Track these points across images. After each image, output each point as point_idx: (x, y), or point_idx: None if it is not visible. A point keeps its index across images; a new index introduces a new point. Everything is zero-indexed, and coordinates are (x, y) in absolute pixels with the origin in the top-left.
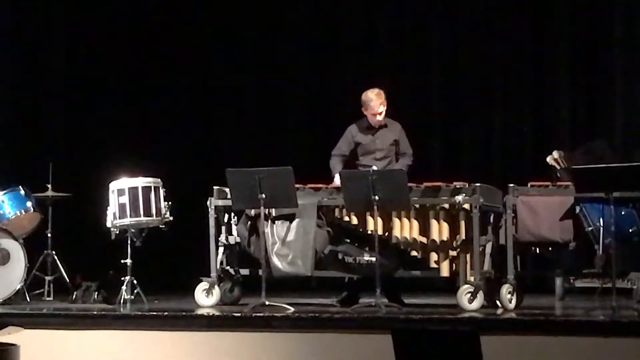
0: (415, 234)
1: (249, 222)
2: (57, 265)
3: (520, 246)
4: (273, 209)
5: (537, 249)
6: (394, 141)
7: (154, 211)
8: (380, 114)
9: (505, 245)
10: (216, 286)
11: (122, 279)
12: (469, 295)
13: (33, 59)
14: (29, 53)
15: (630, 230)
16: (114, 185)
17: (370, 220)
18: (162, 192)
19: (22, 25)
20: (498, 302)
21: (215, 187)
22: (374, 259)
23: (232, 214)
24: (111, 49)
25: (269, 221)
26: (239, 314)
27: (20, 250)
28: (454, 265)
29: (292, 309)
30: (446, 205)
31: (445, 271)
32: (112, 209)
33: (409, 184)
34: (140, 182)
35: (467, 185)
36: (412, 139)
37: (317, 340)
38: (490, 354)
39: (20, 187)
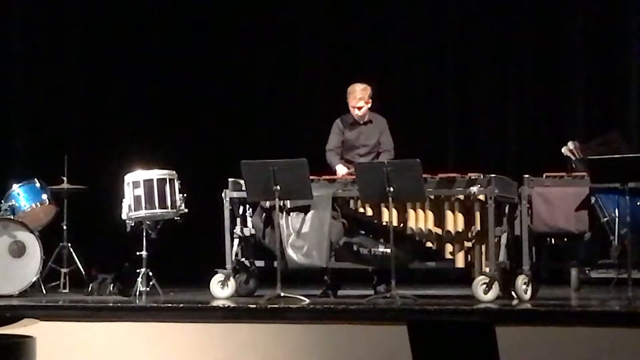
0: (430, 225)
1: (264, 214)
2: (72, 257)
3: (535, 237)
4: (288, 201)
5: (553, 240)
6: (379, 136)
7: (169, 203)
8: (359, 108)
9: (521, 236)
10: (231, 278)
11: (138, 271)
12: (484, 286)
13: (49, 52)
14: (44, 46)
15: None
16: (129, 178)
17: (385, 211)
18: (177, 184)
19: (38, 18)
20: (513, 293)
21: (230, 179)
22: (389, 250)
23: (247, 206)
24: (126, 42)
25: (284, 213)
26: (254, 306)
27: (35, 243)
28: (469, 256)
29: (308, 301)
30: (461, 197)
31: (460, 262)
32: (127, 201)
33: (424, 175)
34: (156, 174)
35: (482, 176)
36: (427, 131)
37: (333, 331)
38: (505, 345)
39: (35, 179)
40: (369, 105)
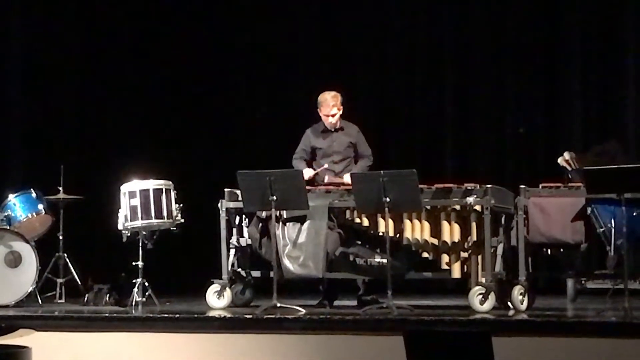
0: (427, 235)
1: (260, 224)
2: (68, 267)
3: (531, 247)
4: (284, 211)
5: (549, 250)
6: (350, 144)
7: (165, 213)
8: (332, 115)
9: (517, 246)
10: (228, 288)
11: (134, 281)
12: (481, 296)
13: (45, 63)
14: (40, 57)
15: None
16: (125, 188)
17: (381, 221)
18: (173, 194)
19: (34, 30)
20: (510, 304)
21: (226, 189)
22: (385, 260)
23: (244, 216)
24: (122, 52)
25: (280, 223)
26: (251, 316)
27: (31, 253)
28: (465, 266)
29: (304, 311)
30: (457, 207)
31: (456, 273)
32: (123, 212)
33: (420, 186)
34: (152, 184)
35: (478, 187)
36: (424, 140)
37: (329, 342)
38: (502, 356)
39: (31, 189)
40: (341, 112)
